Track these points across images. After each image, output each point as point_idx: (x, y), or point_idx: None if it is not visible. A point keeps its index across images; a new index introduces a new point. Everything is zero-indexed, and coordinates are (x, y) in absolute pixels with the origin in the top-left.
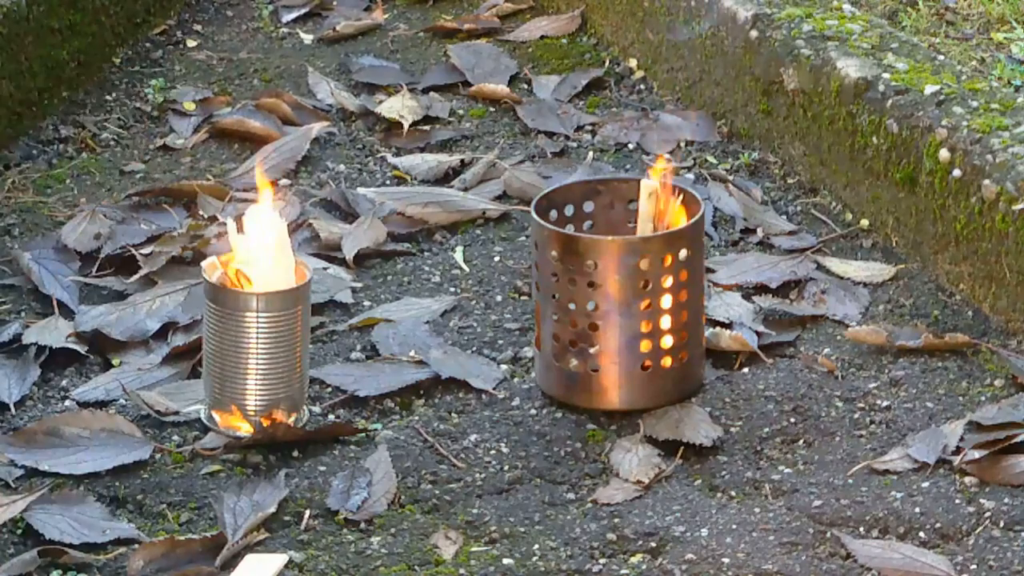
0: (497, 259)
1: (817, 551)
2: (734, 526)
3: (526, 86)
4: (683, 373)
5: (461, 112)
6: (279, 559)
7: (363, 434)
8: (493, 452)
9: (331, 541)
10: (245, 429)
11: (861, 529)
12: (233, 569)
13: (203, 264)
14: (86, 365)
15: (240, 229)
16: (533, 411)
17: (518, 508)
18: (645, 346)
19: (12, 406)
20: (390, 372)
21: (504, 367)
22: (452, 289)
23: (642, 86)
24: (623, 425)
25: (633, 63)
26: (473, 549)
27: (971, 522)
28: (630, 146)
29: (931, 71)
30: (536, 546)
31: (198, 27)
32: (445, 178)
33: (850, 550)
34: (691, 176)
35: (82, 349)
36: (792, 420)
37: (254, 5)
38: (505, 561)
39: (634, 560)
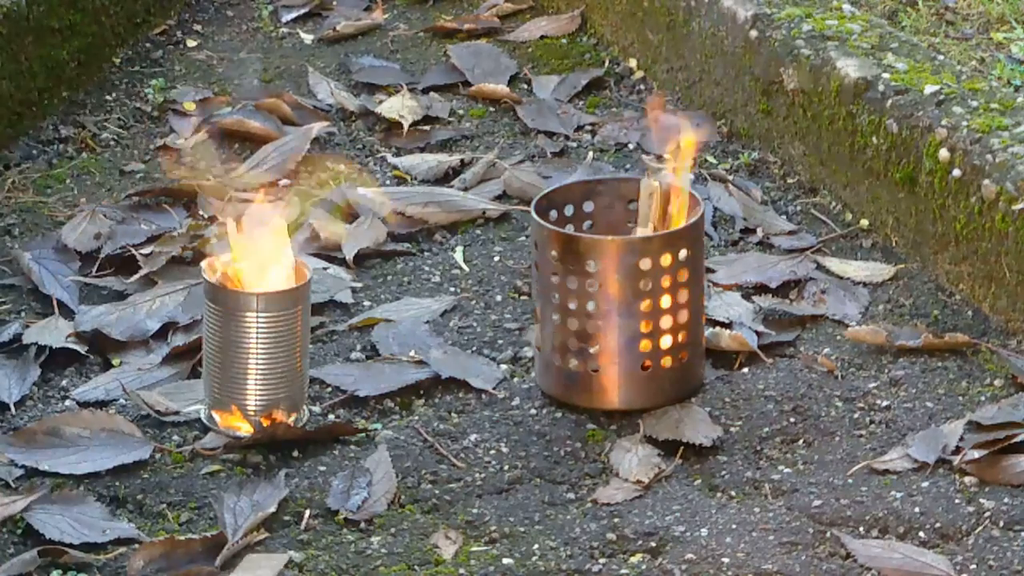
0: (497, 259)
1: (817, 551)
2: (734, 526)
3: (526, 86)
4: (683, 373)
5: (461, 112)
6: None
7: (363, 434)
8: (493, 452)
9: (331, 541)
10: (245, 429)
11: (861, 529)
12: (233, 569)
13: (203, 264)
14: (86, 365)
15: (240, 229)
16: (533, 411)
17: (518, 508)
18: (645, 346)
19: (12, 406)
20: (390, 372)
21: (504, 367)
22: (452, 289)
23: (642, 86)
24: (623, 425)
25: (633, 63)
26: (473, 549)
27: (971, 522)
28: (630, 146)
29: (931, 71)
30: (536, 546)
31: (198, 27)
32: (445, 178)
33: (850, 550)
34: (691, 176)
35: (82, 349)
36: (792, 420)
37: (254, 5)
38: (505, 561)
39: (634, 560)
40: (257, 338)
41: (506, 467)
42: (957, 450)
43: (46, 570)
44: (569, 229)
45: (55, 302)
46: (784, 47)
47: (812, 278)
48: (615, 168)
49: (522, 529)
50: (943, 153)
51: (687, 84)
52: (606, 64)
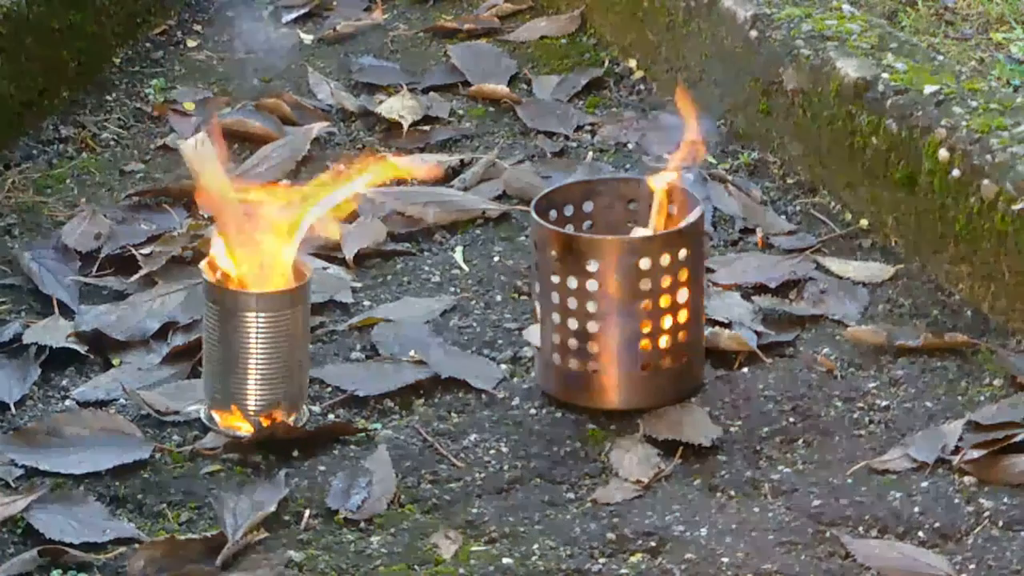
0: (497, 259)
1: (816, 551)
2: (733, 526)
3: (526, 86)
4: (683, 373)
5: (461, 112)
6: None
7: (363, 434)
8: (493, 452)
9: (331, 541)
10: (245, 429)
11: (860, 529)
12: (233, 568)
13: (202, 264)
14: (86, 365)
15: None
16: (533, 411)
17: (518, 508)
18: (645, 346)
19: (12, 406)
20: (390, 372)
21: (504, 367)
22: (452, 289)
23: (642, 86)
24: (623, 425)
25: (633, 63)
26: (473, 549)
27: (970, 522)
28: (630, 146)
29: (930, 71)
30: (536, 546)
31: (198, 27)
32: (445, 178)
33: (849, 550)
34: (691, 176)
35: (82, 349)
36: (792, 420)
37: (254, 5)
38: (505, 561)
39: (633, 560)
40: (257, 338)
41: (506, 467)
42: (956, 450)
43: (46, 570)
44: (569, 229)
45: (55, 302)
46: (784, 47)
47: (812, 278)
48: (615, 168)
49: (522, 529)
50: (943, 153)
51: (687, 84)
52: (606, 64)
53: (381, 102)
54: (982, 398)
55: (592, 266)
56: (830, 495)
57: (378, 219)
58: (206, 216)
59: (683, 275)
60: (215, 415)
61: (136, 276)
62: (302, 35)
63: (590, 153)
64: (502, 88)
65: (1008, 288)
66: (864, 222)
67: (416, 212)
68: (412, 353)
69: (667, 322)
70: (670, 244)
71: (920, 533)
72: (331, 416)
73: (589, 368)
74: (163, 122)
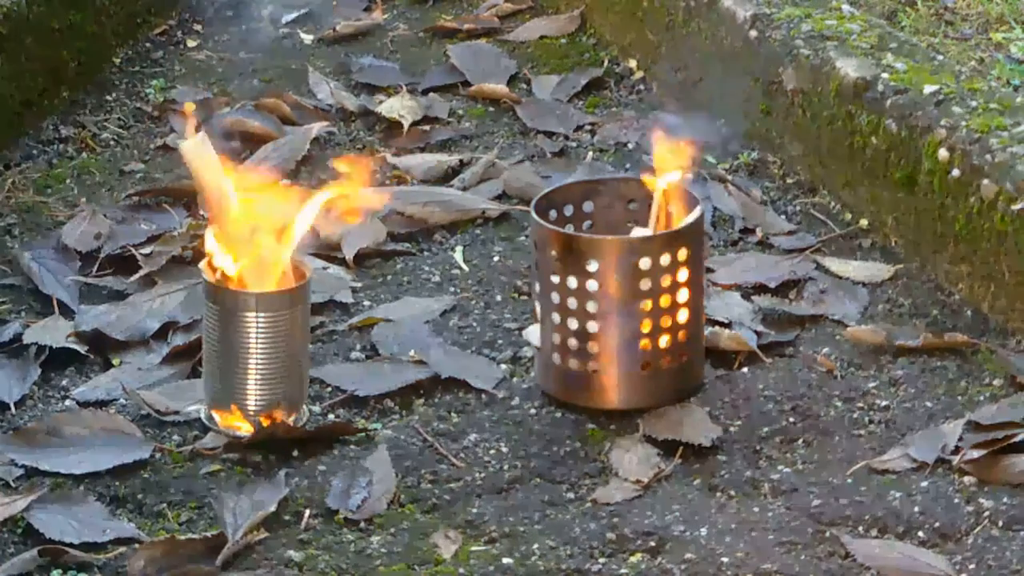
0: (497, 259)
1: (816, 550)
2: (733, 526)
3: (525, 86)
4: (682, 373)
5: (461, 112)
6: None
7: (363, 434)
8: (493, 452)
9: (331, 541)
10: (245, 429)
11: (860, 528)
12: (233, 568)
13: (202, 264)
14: (86, 365)
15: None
16: (533, 411)
17: (518, 508)
18: (644, 346)
19: (12, 406)
20: (390, 372)
21: (504, 367)
22: (452, 289)
23: (642, 86)
24: (622, 425)
25: (633, 63)
26: (473, 548)
27: (970, 522)
28: (630, 146)
29: (930, 71)
30: (536, 545)
31: (198, 27)
32: (445, 178)
33: (849, 549)
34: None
35: (82, 349)
36: (791, 420)
37: (254, 5)
38: (505, 560)
39: (633, 559)
40: (257, 338)
41: (506, 467)
42: (956, 450)
43: (46, 570)
44: (569, 229)
45: (55, 302)
46: (783, 47)
47: (811, 278)
48: (615, 168)
49: (522, 529)
50: (942, 153)
51: (687, 84)
52: (606, 64)
53: (381, 102)
54: (982, 398)
55: (592, 266)
56: (830, 495)
57: (378, 219)
58: (206, 216)
59: (683, 275)
60: (215, 415)
61: (136, 276)
62: (302, 35)
63: (590, 153)
64: (502, 88)
65: (1008, 288)
66: (864, 222)
67: (416, 212)
68: (412, 353)
69: (667, 322)
70: (670, 244)
71: (920, 533)
72: (331, 416)
73: (589, 368)
74: (163, 122)
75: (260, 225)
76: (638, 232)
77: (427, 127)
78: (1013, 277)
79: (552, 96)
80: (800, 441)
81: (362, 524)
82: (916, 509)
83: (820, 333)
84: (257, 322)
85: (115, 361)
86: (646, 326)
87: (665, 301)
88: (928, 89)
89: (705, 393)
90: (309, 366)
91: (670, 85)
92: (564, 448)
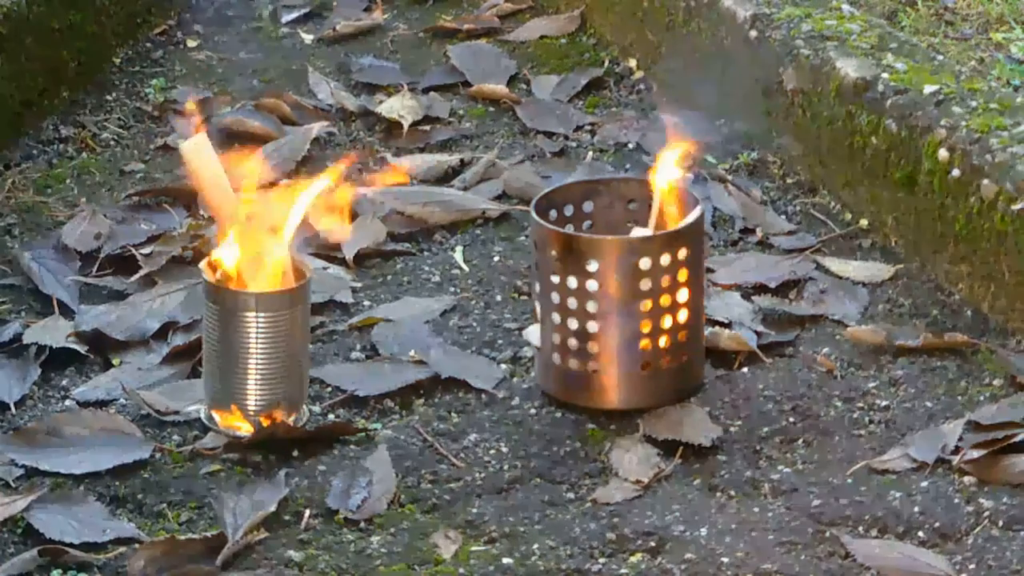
0: (497, 259)
1: (816, 550)
2: (733, 526)
3: (525, 86)
4: (682, 373)
5: (461, 112)
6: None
7: (363, 434)
8: (493, 452)
9: (331, 541)
10: (245, 429)
11: (860, 528)
12: (233, 568)
13: (202, 264)
14: (86, 365)
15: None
16: (533, 411)
17: (518, 508)
18: (645, 346)
19: (12, 406)
20: (390, 372)
21: (504, 367)
22: (452, 289)
23: (642, 86)
24: (622, 425)
25: (633, 63)
26: (473, 548)
27: (970, 522)
28: (630, 146)
29: (930, 71)
30: (536, 545)
31: (198, 27)
32: (445, 178)
33: (849, 549)
34: (691, 176)
35: (82, 349)
36: (791, 420)
37: (254, 5)
38: (505, 560)
39: (633, 559)
40: (257, 338)
41: (506, 467)
42: (956, 450)
43: (46, 570)
44: (569, 229)
45: (55, 302)
46: (783, 47)
47: (811, 278)
48: (615, 168)
49: (522, 529)
50: (942, 153)
51: (687, 84)
52: (606, 64)
53: (381, 102)
54: (982, 398)
55: (592, 266)
56: (830, 495)
57: (378, 219)
58: (206, 216)
59: (683, 275)
60: (215, 415)
61: (136, 276)
62: (302, 35)
63: (590, 153)
64: (502, 88)
65: (1008, 288)
66: (864, 222)
67: (416, 212)
68: (412, 353)
69: (667, 322)
70: (670, 244)
71: (920, 533)
72: (331, 416)
73: (589, 368)
74: (163, 122)
75: (257, 216)
76: (638, 232)
77: (427, 127)
78: (1013, 277)
79: (552, 96)
80: (800, 441)
81: (362, 524)
82: (916, 509)
83: (820, 333)
84: (257, 322)
85: (115, 361)
86: (646, 326)
87: (665, 301)
88: (928, 89)
89: (705, 393)
90: (309, 366)
91: (670, 85)
92: (564, 448)
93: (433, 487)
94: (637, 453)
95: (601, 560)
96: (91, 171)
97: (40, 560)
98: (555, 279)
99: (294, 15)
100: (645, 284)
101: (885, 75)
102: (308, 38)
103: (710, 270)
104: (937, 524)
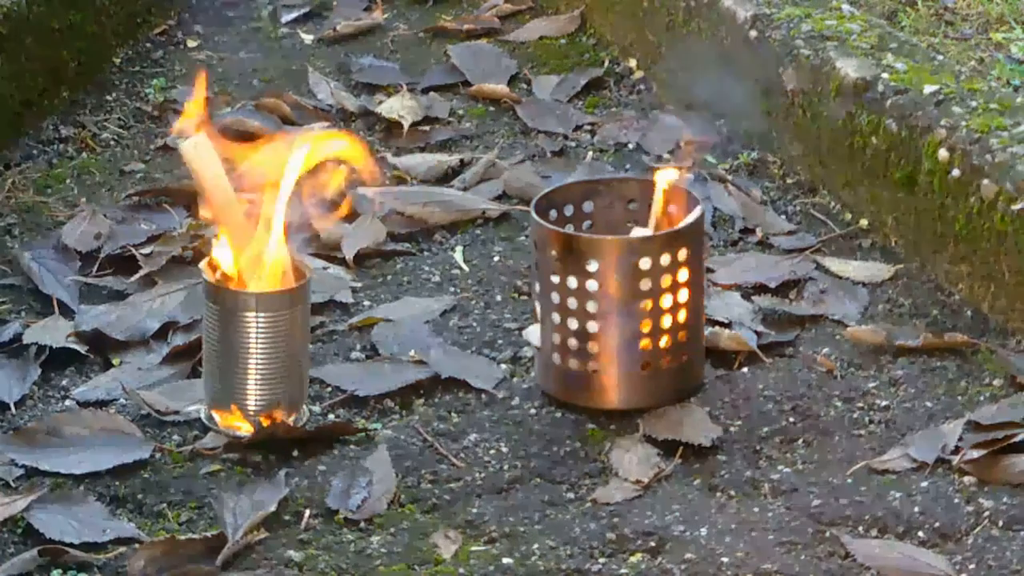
0: (497, 259)
1: (816, 550)
2: (733, 526)
3: (526, 86)
4: (683, 373)
5: (461, 112)
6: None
7: (363, 434)
8: (493, 452)
9: (331, 541)
10: (245, 429)
11: (860, 528)
12: (233, 568)
13: (202, 264)
14: (86, 365)
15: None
16: (533, 411)
17: (518, 508)
18: (644, 346)
19: (12, 406)
20: (390, 372)
21: (504, 367)
22: (452, 289)
23: (642, 86)
24: (622, 425)
25: (633, 63)
26: (473, 548)
27: (970, 522)
28: (630, 146)
29: (930, 71)
30: (536, 545)
31: (198, 27)
32: (445, 178)
33: (849, 549)
34: (691, 176)
35: (82, 349)
36: (791, 420)
37: (254, 5)
38: (505, 560)
39: (633, 559)
40: (257, 338)
41: (506, 467)
42: (956, 450)
43: (46, 570)
44: (569, 229)
45: (55, 302)
46: (784, 47)
47: (811, 278)
48: (615, 168)
49: (522, 529)
50: (942, 153)
51: (687, 84)
52: (606, 64)
53: (381, 102)
54: (982, 398)
55: (592, 266)
56: (830, 495)
57: (378, 219)
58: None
59: (683, 275)
60: (215, 415)
61: (136, 276)
62: (302, 35)
63: (590, 153)
64: (502, 88)
65: (1008, 288)
66: (864, 222)
67: (416, 212)
68: (412, 353)
69: (667, 322)
70: (670, 244)
71: (920, 533)
72: (331, 416)
73: (589, 368)
74: (163, 122)
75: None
76: (638, 232)
77: (427, 127)
78: (1013, 277)
79: (552, 96)
80: (800, 441)
81: (362, 524)
82: (916, 509)
83: (820, 333)
84: (257, 322)
85: (115, 361)
86: (646, 326)
87: (665, 301)
88: (928, 89)
89: (705, 393)
90: (309, 366)
91: (670, 85)
92: (564, 448)
93: (433, 487)
94: (637, 453)
95: (601, 560)
96: (91, 171)
97: (40, 560)
98: (555, 279)
99: (294, 15)
100: (645, 284)
101: (885, 75)
102: (308, 38)
103: (710, 270)
104: (937, 524)
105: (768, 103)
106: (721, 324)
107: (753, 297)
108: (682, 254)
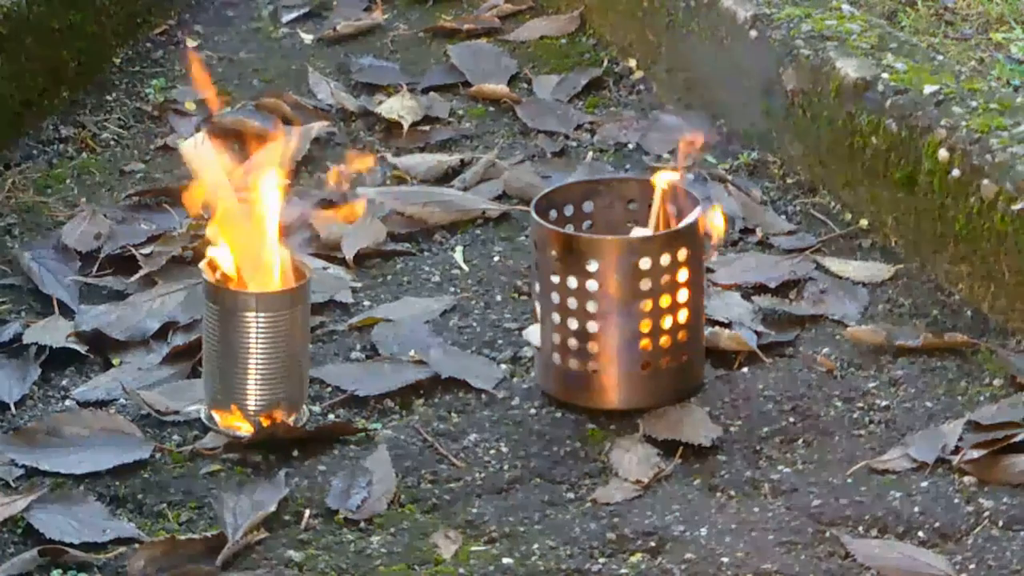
0: (497, 259)
1: (816, 550)
2: (733, 526)
3: (526, 86)
4: (682, 373)
5: (461, 112)
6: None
7: (363, 434)
8: (493, 452)
9: (331, 541)
10: (245, 429)
11: (860, 528)
12: (233, 568)
13: (202, 264)
14: (86, 365)
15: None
16: (533, 411)
17: (518, 508)
18: (644, 346)
19: (12, 406)
20: (390, 372)
21: (504, 367)
22: (452, 289)
23: (641, 86)
24: (622, 425)
25: (632, 63)
26: (473, 548)
27: (970, 521)
28: (630, 146)
29: (930, 71)
30: (536, 545)
31: (198, 27)
32: (445, 178)
33: (849, 549)
34: (691, 176)
35: (82, 349)
36: (791, 420)
37: (254, 5)
38: (505, 561)
39: (633, 559)
40: (257, 338)
41: (506, 467)
42: (956, 450)
43: (46, 570)
44: (569, 229)
45: (55, 302)
46: (783, 47)
47: (811, 278)
48: (615, 168)
49: (522, 529)
50: (942, 153)
51: (687, 84)
52: (605, 64)
53: (381, 102)
54: (982, 398)
55: (592, 266)
56: (830, 495)
57: (378, 219)
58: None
59: (683, 275)
60: (215, 415)
61: (136, 276)
62: (302, 35)
63: (590, 153)
64: (502, 88)
65: (1008, 288)
66: (864, 222)
67: (416, 212)
68: (412, 353)
69: (667, 322)
70: (670, 244)
71: (920, 533)
72: (331, 416)
73: (589, 368)
74: (163, 122)
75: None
76: (638, 232)
77: (427, 127)
78: (1013, 277)
79: (552, 96)
80: (800, 441)
81: (362, 524)
82: (916, 509)
83: (820, 333)
84: (257, 322)
85: (115, 361)
86: (646, 326)
87: (665, 301)
88: (928, 89)
89: (705, 393)
90: (309, 366)
91: (670, 85)
92: (564, 448)
93: (433, 487)
94: (637, 453)
95: (601, 560)
96: (91, 171)
97: (40, 560)
98: (555, 279)
99: (294, 15)
100: (645, 284)
101: (885, 75)
102: (308, 38)
103: (710, 270)
104: (937, 524)
105: (768, 103)
106: (721, 324)
107: (753, 297)
108: (682, 254)
